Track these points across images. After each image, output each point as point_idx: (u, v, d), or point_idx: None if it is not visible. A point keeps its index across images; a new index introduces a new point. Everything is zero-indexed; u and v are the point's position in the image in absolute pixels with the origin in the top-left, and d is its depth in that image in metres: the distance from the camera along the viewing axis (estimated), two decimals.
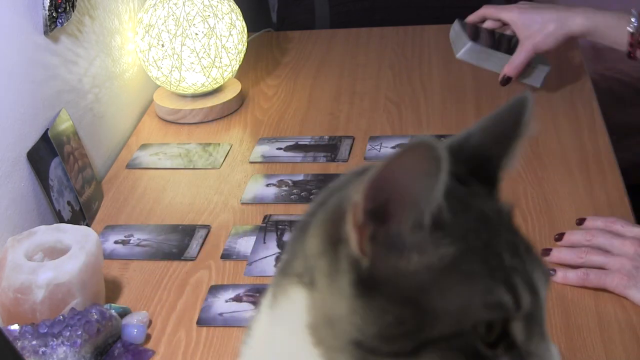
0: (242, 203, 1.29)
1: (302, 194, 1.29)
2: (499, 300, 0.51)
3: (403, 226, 0.50)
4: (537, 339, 0.53)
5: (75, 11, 1.31)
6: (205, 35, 1.48)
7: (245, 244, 1.19)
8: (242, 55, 1.56)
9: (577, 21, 1.37)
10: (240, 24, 1.54)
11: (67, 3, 1.27)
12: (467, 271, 0.51)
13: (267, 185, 1.33)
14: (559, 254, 1.08)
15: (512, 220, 0.58)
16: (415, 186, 0.49)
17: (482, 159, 0.58)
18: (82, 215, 1.25)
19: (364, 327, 0.50)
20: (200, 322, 1.06)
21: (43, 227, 1.07)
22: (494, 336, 0.51)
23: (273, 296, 0.57)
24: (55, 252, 1.04)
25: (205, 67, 1.50)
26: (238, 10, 1.54)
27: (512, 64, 1.44)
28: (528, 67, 1.48)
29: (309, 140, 1.45)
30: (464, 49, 1.48)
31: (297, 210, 1.25)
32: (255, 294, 1.09)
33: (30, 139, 1.19)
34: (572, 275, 1.04)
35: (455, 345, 0.50)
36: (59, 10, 1.25)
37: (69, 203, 1.23)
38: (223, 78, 1.54)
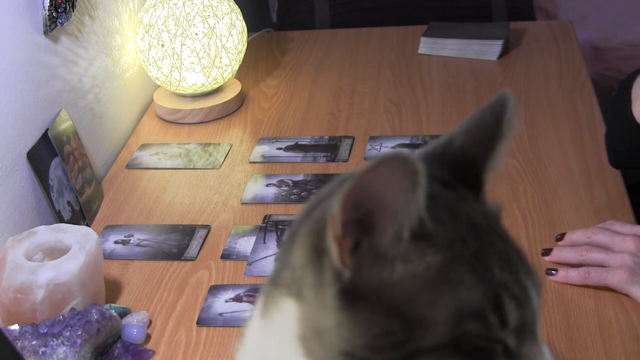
0: (242, 203, 1.29)
1: (302, 194, 1.29)
2: (484, 318, 0.50)
3: (384, 238, 0.50)
4: (528, 343, 0.53)
5: (75, 11, 1.31)
6: (205, 35, 1.48)
7: (245, 244, 1.19)
8: (242, 55, 1.56)
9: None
10: (240, 24, 1.54)
11: (67, 3, 1.27)
12: (455, 280, 0.50)
13: (267, 185, 1.33)
14: (559, 253, 1.08)
15: (501, 222, 0.57)
16: (392, 200, 0.49)
17: (467, 162, 0.58)
18: (82, 215, 1.25)
19: (351, 338, 0.50)
20: (200, 322, 1.06)
21: (43, 227, 1.07)
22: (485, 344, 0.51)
23: (264, 306, 0.56)
24: (55, 252, 1.04)
25: (205, 67, 1.50)
26: (238, 10, 1.54)
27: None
28: (484, 44, 1.66)
29: (309, 140, 1.45)
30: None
31: (297, 210, 1.24)
32: (255, 294, 1.08)
33: (30, 139, 1.19)
34: (573, 274, 1.04)
35: (447, 352, 0.50)
36: (59, 10, 1.25)
37: (69, 203, 1.23)
38: (223, 78, 1.54)
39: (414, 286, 0.50)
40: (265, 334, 0.56)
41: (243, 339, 0.60)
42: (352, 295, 0.50)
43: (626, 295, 1.02)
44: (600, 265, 1.04)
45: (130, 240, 1.22)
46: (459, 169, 0.57)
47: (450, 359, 0.50)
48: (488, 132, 0.58)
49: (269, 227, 1.22)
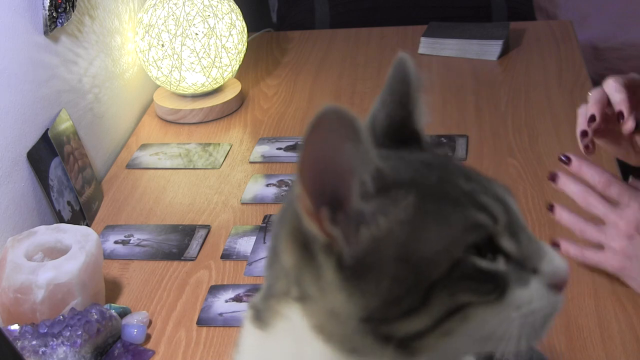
0: (242, 203, 1.29)
1: None
2: (475, 221, 0.52)
3: (354, 201, 0.51)
4: (525, 241, 0.55)
5: (75, 11, 1.31)
6: (205, 35, 1.48)
7: (245, 244, 1.19)
8: (242, 55, 1.56)
9: None
10: (240, 24, 1.54)
11: (67, 3, 1.27)
12: (434, 209, 0.52)
13: (267, 185, 1.33)
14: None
15: (450, 159, 0.60)
16: (342, 155, 0.50)
17: (397, 125, 0.61)
18: (82, 215, 1.25)
19: (366, 303, 0.51)
20: (200, 322, 1.06)
21: (43, 227, 1.07)
22: (488, 251, 0.53)
23: (259, 320, 0.57)
24: (55, 252, 1.04)
25: (205, 67, 1.50)
26: (238, 10, 1.54)
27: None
28: (483, 44, 1.68)
29: None
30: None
31: None
32: (255, 294, 1.08)
33: (30, 139, 1.19)
34: (572, 250, 1.06)
35: (458, 274, 0.51)
36: (59, 10, 1.25)
37: (69, 203, 1.24)
38: (223, 78, 1.54)
39: (403, 232, 0.51)
40: (272, 343, 0.56)
41: (240, 348, 0.60)
42: (350, 263, 0.51)
43: (626, 295, 1.02)
44: (598, 243, 1.04)
45: (130, 240, 1.22)
46: (392, 133, 0.61)
47: (464, 276, 0.51)
48: (403, 93, 0.61)
49: (269, 227, 1.22)
